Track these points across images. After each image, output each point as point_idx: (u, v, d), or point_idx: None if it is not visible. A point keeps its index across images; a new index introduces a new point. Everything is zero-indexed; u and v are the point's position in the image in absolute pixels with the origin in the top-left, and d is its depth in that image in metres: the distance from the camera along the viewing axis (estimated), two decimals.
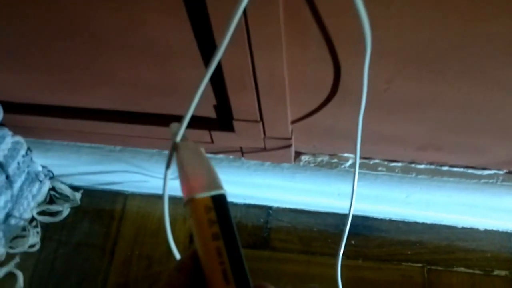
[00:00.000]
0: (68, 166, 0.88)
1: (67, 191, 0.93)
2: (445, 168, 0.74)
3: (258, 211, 0.91)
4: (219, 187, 0.31)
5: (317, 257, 0.86)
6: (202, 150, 0.35)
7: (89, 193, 0.96)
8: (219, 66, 0.55)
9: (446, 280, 0.82)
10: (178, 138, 0.37)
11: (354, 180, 0.67)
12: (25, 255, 0.91)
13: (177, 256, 0.61)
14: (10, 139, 0.77)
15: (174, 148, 0.36)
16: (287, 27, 0.48)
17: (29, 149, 0.81)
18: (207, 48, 0.55)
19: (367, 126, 0.62)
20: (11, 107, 0.74)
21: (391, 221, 0.87)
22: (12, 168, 0.79)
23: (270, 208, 0.91)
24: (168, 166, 0.44)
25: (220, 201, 0.31)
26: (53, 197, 0.94)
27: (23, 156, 0.80)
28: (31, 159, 0.83)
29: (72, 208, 0.94)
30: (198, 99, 0.51)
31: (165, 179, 0.50)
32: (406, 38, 0.48)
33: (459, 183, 0.74)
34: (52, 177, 0.91)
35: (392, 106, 0.61)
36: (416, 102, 0.59)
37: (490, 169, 0.72)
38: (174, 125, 0.38)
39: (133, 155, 0.84)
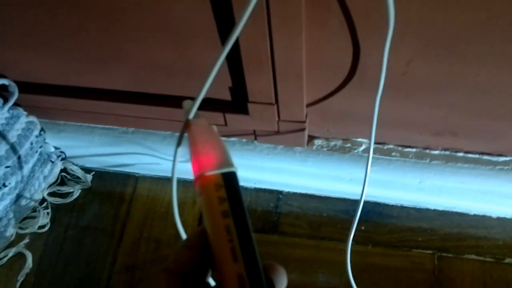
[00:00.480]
0: (81, 148, 0.88)
1: (79, 172, 0.93)
2: (460, 154, 0.73)
3: (268, 195, 0.91)
4: (230, 165, 0.31)
5: (326, 242, 0.86)
6: (215, 128, 0.34)
7: (100, 175, 0.96)
8: (237, 46, 0.55)
9: (456, 268, 0.82)
10: (191, 115, 0.37)
11: (367, 164, 0.66)
12: (34, 236, 0.91)
13: (184, 236, 0.62)
14: (24, 119, 0.77)
15: (186, 125, 0.35)
16: (307, 5, 0.47)
17: (42, 129, 0.81)
18: (226, 30, 0.55)
19: (383, 110, 0.62)
20: (26, 87, 0.74)
21: (402, 208, 0.87)
22: (25, 148, 0.79)
23: (280, 192, 0.91)
24: (178, 143, 0.44)
25: (230, 179, 0.30)
26: (64, 178, 0.94)
27: (37, 137, 0.80)
28: (44, 139, 0.83)
29: (82, 190, 0.94)
30: (214, 76, 0.50)
31: (175, 156, 0.50)
32: (428, 18, 0.47)
33: (473, 169, 0.73)
34: (64, 159, 0.91)
35: (409, 90, 0.60)
36: (434, 85, 0.58)
37: (505, 156, 0.72)
38: (186, 102, 0.37)
39: (146, 137, 0.84)
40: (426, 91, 0.60)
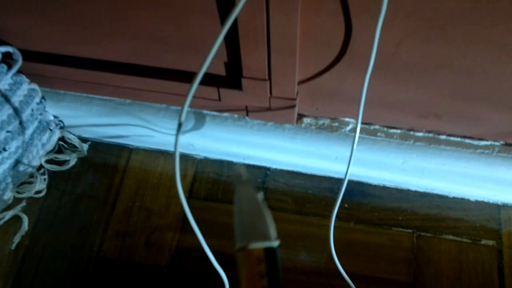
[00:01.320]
0: (78, 117, 0.91)
1: (76, 141, 0.96)
2: (443, 137, 0.77)
3: (256, 171, 0.94)
4: (273, 238, 0.32)
5: (310, 218, 0.89)
6: (261, 196, 0.35)
7: (96, 146, 0.98)
8: (234, 22, 0.58)
9: (434, 247, 0.85)
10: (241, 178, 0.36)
11: (353, 142, 0.69)
12: (31, 201, 0.94)
13: (185, 205, 0.64)
14: (26, 86, 0.80)
15: (236, 189, 0.35)
16: None
17: (43, 97, 0.84)
18: (224, 4, 0.57)
19: (371, 90, 0.65)
20: (29, 56, 0.77)
21: (384, 188, 0.91)
22: (26, 115, 0.82)
23: (268, 169, 0.95)
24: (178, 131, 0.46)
25: (271, 254, 0.31)
26: (61, 147, 0.97)
27: (37, 104, 0.83)
28: (44, 107, 0.86)
29: (78, 159, 0.97)
30: (213, 54, 0.53)
31: (177, 134, 0.53)
32: None
33: (455, 152, 0.77)
34: (62, 127, 0.94)
35: (398, 70, 0.63)
36: (422, 67, 0.61)
37: (487, 140, 0.76)
38: (239, 166, 0.38)
39: (141, 109, 0.86)
40: (413, 72, 0.63)
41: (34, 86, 0.81)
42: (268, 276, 0.30)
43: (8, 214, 0.92)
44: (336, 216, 0.87)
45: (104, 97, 0.86)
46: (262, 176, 0.94)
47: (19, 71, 0.78)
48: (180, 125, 0.56)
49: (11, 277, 0.88)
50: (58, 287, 0.87)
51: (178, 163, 0.58)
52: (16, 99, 0.79)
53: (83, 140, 0.98)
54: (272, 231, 0.32)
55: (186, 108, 0.58)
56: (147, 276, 0.86)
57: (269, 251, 0.31)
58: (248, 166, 0.95)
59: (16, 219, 0.92)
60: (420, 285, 0.83)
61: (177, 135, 0.55)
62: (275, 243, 0.32)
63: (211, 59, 0.54)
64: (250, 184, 0.34)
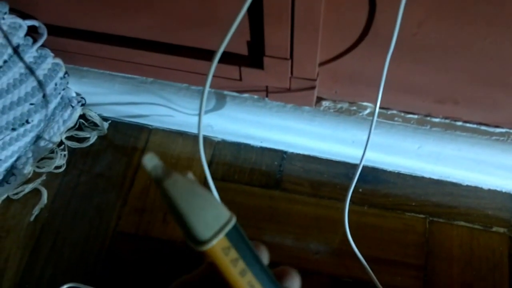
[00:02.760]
0: (100, 95, 0.93)
1: (97, 119, 0.98)
2: (459, 123, 0.78)
3: (273, 154, 0.96)
4: (227, 218, 0.29)
5: (325, 201, 0.91)
6: (190, 176, 0.29)
7: (116, 125, 1.00)
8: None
9: (446, 232, 0.87)
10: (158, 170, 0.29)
11: (371, 124, 0.71)
12: (50, 175, 0.96)
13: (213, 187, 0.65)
14: (51, 60, 0.82)
15: (159, 187, 0.28)
16: None
17: (66, 72, 0.86)
18: None
19: (390, 73, 0.66)
20: (54, 30, 0.79)
21: (399, 174, 0.92)
22: (49, 88, 0.84)
23: (284, 152, 0.96)
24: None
25: (235, 234, 0.29)
26: (81, 125, 0.99)
27: (61, 79, 0.85)
28: (67, 83, 0.88)
29: (98, 137, 0.99)
30: (236, 27, 0.55)
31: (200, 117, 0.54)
32: None
33: (470, 138, 0.78)
34: (83, 104, 0.96)
35: (418, 53, 0.64)
36: (442, 49, 0.63)
37: (502, 127, 0.76)
38: (148, 158, 0.28)
39: (162, 87, 0.88)
40: (433, 55, 0.64)
41: (58, 60, 0.83)
42: (242, 257, 0.29)
43: (28, 187, 0.94)
44: (351, 200, 0.88)
45: (126, 75, 0.88)
46: (279, 160, 0.95)
47: (44, 45, 0.80)
48: (203, 94, 0.57)
49: (29, 248, 0.90)
50: (75, 259, 0.89)
51: (201, 139, 0.60)
52: (40, 72, 0.80)
53: (104, 119, 1.00)
54: (222, 210, 0.28)
55: (209, 81, 0.60)
56: (163, 251, 0.88)
57: (232, 233, 0.28)
58: (265, 149, 0.96)
59: (36, 192, 0.95)
60: (431, 268, 0.84)
61: (200, 108, 0.57)
62: (232, 221, 0.28)
63: (233, 34, 0.55)
64: (171, 172, 0.28)
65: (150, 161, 0.28)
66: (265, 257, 0.32)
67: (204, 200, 0.28)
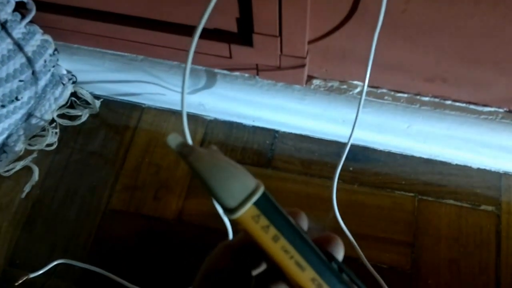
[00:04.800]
0: (91, 72, 0.93)
1: (88, 97, 0.98)
2: (449, 102, 0.78)
3: (265, 133, 0.96)
4: (256, 186, 0.29)
5: (315, 179, 0.91)
6: (214, 148, 0.30)
7: (108, 104, 1.00)
8: None
9: (435, 210, 0.87)
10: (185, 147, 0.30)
11: (360, 101, 0.71)
12: (42, 153, 0.96)
13: None
14: (39, 36, 0.81)
15: (187, 163, 0.30)
16: None
17: (56, 49, 0.85)
18: None
19: (380, 51, 0.66)
20: (43, 6, 0.78)
21: (389, 153, 0.92)
22: (38, 65, 0.83)
23: (276, 132, 0.96)
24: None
25: (264, 202, 0.29)
26: (73, 103, 0.99)
27: (50, 55, 0.84)
28: (57, 60, 0.87)
29: (90, 115, 0.99)
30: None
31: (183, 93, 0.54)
32: None
33: (459, 117, 0.78)
34: (75, 82, 0.96)
35: (407, 30, 0.64)
36: (431, 27, 0.62)
37: (491, 106, 0.77)
38: (172, 137, 0.30)
39: (153, 65, 0.88)
40: (422, 32, 0.64)
41: (47, 37, 0.83)
42: (273, 223, 0.29)
43: (19, 165, 0.94)
44: (341, 179, 0.89)
45: (117, 52, 0.88)
46: (270, 139, 0.96)
47: (32, 21, 0.80)
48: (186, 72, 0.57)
49: (20, 224, 0.91)
50: (67, 236, 0.90)
51: (185, 116, 0.60)
52: (29, 49, 0.80)
53: (96, 97, 1.00)
54: (249, 179, 0.29)
55: (190, 57, 0.60)
56: (154, 228, 0.89)
57: (260, 201, 0.29)
58: (257, 128, 0.97)
59: (27, 170, 0.95)
60: (419, 245, 0.85)
61: (183, 84, 0.57)
62: (261, 189, 0.29)
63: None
64: (195, 148, 0.29)
65: (174, 140, 0.29)
66: (303, 223, 0.33)
67: (229, 171, 0.29)
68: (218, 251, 0.32)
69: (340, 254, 0.32)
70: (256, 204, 0.29)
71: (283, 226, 0.30)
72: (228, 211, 0.29)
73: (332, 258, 0.31)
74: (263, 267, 0.33)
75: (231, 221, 0.28)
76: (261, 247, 0.30)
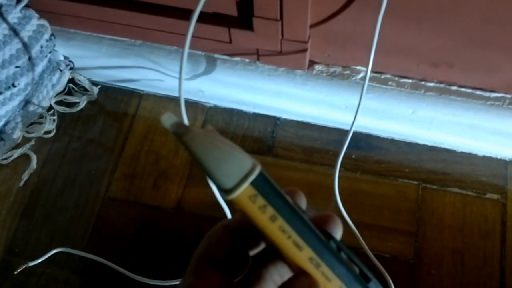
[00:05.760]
0: (89, 58, 0.91)
1: (86, 83, 0.96)
2: (454, 87, 0.76)
3: (266, 120, 0.94)
4: (252, 165, 0.29)
5: (317, 167, 0.90)
6: (211, 128, 0.30)
7: (106, 90, 0.99)
8: None
9: (439, 199, 0.86)
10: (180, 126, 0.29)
11: (363, 86, 0.69)
12: (40, 141, 0.95)
13: None
14: (35, 21, 0.80)
15: (182, 144, 0.29)
16: None
17: (52, 35, 0.84)
18: None
19: (384, 35, 0.64)
20: None
21: (393, 141, 0.91)
22: (35, 51, 0.82)
23: (278, 119, 0.94)
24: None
25: (261, 181, 0.29)
26: (71, 89, 0.97)
27: (47, 41, 0.83)
28: (54, 46, 0.86)
29: (88, 102, 0.98)
30: None
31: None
32: None
33: (465, 103, 0.76)
34: (72, 68, 0.94)
35: (412, 13, 0.62)
36: (437, 9, 0.60)
37: (498, 92, 0.75)
38: (166, 116, 0.29)
39: (151, 50, 0.86)
40: (428, 15, 0.62)
41: (44, 22, 0.81)
42: (270, 203, 0.29)
43: (17, 152, 0.93)
44: (343, 167, 0.87)
45: (114, 37, 0.86)
46: (271, 126, 0.94)
47: (28, 6, 0.78)
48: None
49: (18, 213, 0.90)
50: (65, 225, 0.89)
51: (183, 102, 0.59)
52: (25, 34, 0.78)
53: (94, 83, 0.98)
54: (245, 159, 0.28)
55: (188, 41, 0.58)
56: (153, 217, 0.88)
57: (257, 181, 0.28)
58: (258, 115, 0.95)
59: (25, 158, 0.94)
60: (422, 234, 0.83)
61: (181, 69, 0.55)
62: (258, 169, 0.28)
63: None
64: (190, 128, 0.28)
65: (169, 119, 0.29)
66: (301, 202, 0.32)
67: (225, 151, 0.28)
68: (215, 230, 0.32)
69: (338, 233, 0.32)
70: (253, 184, 0.28)
71: (280, 206, 0.29)
72: (225, 191, 0.28)
73: (330, 237, 0.31)
74: (260, 247, 0.33)
75: (228, 202, 0.27)
76: (258, 228, 0.29)
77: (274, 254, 0.31)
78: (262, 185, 0.29)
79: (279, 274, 0.31)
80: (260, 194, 0.29)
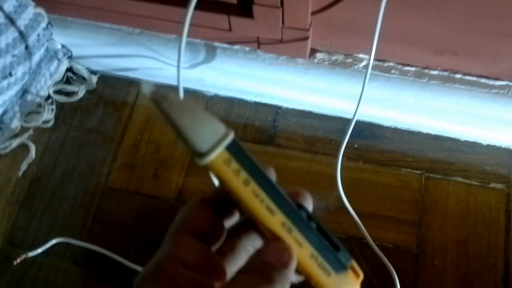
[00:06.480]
0: (87, 47, 0.90)
1: (84, 72, 0.95)
2: (458, 75, 0.75)
3: (267, 109, 0.93)
4: (226, 132, 0.30)
5: (319, 157, 0.89)
6: (188, 100, 0.31)
7: (105, 79, 0.97)
8: None
9: (442, 188, 0.85)
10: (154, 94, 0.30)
11: (366, 75, 0.68)
12: (39, 130, 0.94)
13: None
14: (32, 9, 0.78)
15: (158, 110, 0.30)
16: None
17: (49, 23, 0.82)
18: None
19: (387, 22, 0.63)
20: None
21: (396, 130, 0.89)
22: (32, 39, 0.80)
23: (279, 108, 0.93)
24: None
25: (234, 146, 0.30)
26: (69, 79, 0.96)
27: (44, 29, 0.81)
28: (51, 34, 0.84)
29: (87, 91, 0.96)
30: None
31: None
32: None
33: (469, 91, 0.75)
34: (70, 57, 0.93)
35: None
36: None
37: (503, 80, 0.73)
38: (145, 84, 0.30)
39: (150, 39, 0.85)
40: (432, 1, 0.60)
41: (40, 10, 0.80)
42: (244, 168, 0.30)
43: (15, 142, 0.92)
44: (345, 156, 0.86)
45: (112, 26, 0.84)
46: (273, 115, 0.93)
47: None
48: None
49: (18, 203, 0.89)
50: (65, 215, 0.88)
51: (182, 90, 0.58)
52: (21, 23, 0.77)
53: (92, 72, 0.97)
54: (220, 125, 0.30)
55: (186, 28, 0.57)
56: (153, 207, 0.87)
57: (231, 146, 0.30)
58: (259, 104, 0.94)
59: (24, 147, 0.93)
60: (425, 224, 0.83)
61: (179, 57, 0.54)
62: (231, 135, 0.30)
63: None
64: (168, 94, 0.29)
65: (148, 87, 0.30)
66: (272, 176, 0.32)
67: (201, 117, 0.30)
68: (191, 203, 0.32)
69: (309, 207, 0.32)
70: (227, 148, 0.30)
71: (253, 171, 0.30)
72: (200, 155, 0.29)
73: (300, 207, 0.32)
74: (235, 219, 0.34)
75: (203, 168, 0.28)
76: (232, 192, 0.30)
77: (248, 227, 0.33)
78: (235, 150, 0.30)
79: (252, 245, 0.33)
80: (234, 159, 0.30)
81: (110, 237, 0.86)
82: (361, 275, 0.32)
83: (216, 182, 0.55)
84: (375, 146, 0.89)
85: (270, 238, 0.31)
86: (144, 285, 0.29)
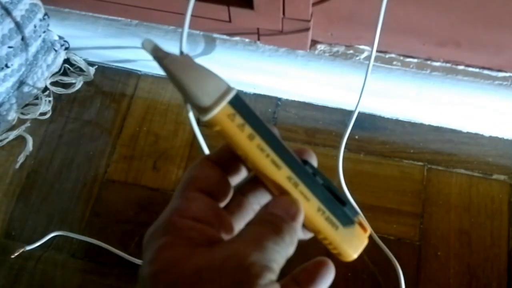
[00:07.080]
0: (84, 38, 0.88)
1: (82, 63, 0.93)
2: (461, 67, 0.74)
3: (267, 101, 0.92)
4: (229, 87, 0.30)
5: (320, 148, 0.88)
6: (189, 57, 0.31)
7: (103, 71, 0.96)
8: None
9: (444, 180, 0.84)
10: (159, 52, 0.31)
11: (368, 66, 0.67)
12: (36, 122, 0.93)
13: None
14: (28, 0, 0.77)
15: (162, 66, 0.31)
16: None
17: (46, 14, 0.81)
18: None
19: (389, 13, 0.62)
20: None
21: (397, 121, 0.89)
22: (28, 31, 0.79)
23: (279, 99, 0.92)
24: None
25: (237, 101, 0.30)
26: (67, 70, 0.95)
27: (40, 20, 0.80)
28: (48, 25, 0.83)
29: (85, 83, 0.95)
30: None
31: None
32: None
33: (472, 82, 0.74)
34: (67, 48, 0.91)
35: None
36: None
37: (506, 71, 0.73)
38: (147, 42, 0.31)
39: (148, 30, 0.83)
40: None
41: (36, 1, 0.79)
42: (248, 122, 0.30)
43: (12, 134, 0.91)
44: (347, 148, 0.85)
45: (110, 17, 0.83)
46: (273, 107, 0.92)
47: None
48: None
49: (15, 195, 0.88)
50: (63, 207, 0.87)
51: None
52: (17, 13, 0.76)
53: (90, 64, 0.95)
54: (222, 81, 0.30)
55: (187, 20, 0.55)
56: (153, 199, 0.86)
57: (234, 101, 0.30)
58: (259, 96, 0.93)
59: (21, 140, 0.92)
60: (428, 216, 0.82)
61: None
62: (234, 90, 0.30)
63: None
64: (170, 52, 0.30)
65: (149, 44, 0.30)
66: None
67: (203, 73, 0.30)
68: (198, 162, 0.33)
69: (314, 163, 0.32)
70: (231, 103, 0.29)
71: (258, 125, 0.30)
72: (204, 110, 0.29)
73: (306, 162, 0.31)
74: (241, 176, 0.34)
75: (207, 124, 0.28)
76: (237, 147, 0.30)
77: (254, 185, 0.33)
78: (239, 105, 0.30)
79: (259, 202, 0.33)
80: (238, 113, 0.30)
81: (109, 230, 0.85)
82: (369, 230, 0.32)
83: (206, 150, 0.55)
84: (376, 138, 0.88)
85: (277, 194, 0.31)
86: (154, 239, 0.30)
